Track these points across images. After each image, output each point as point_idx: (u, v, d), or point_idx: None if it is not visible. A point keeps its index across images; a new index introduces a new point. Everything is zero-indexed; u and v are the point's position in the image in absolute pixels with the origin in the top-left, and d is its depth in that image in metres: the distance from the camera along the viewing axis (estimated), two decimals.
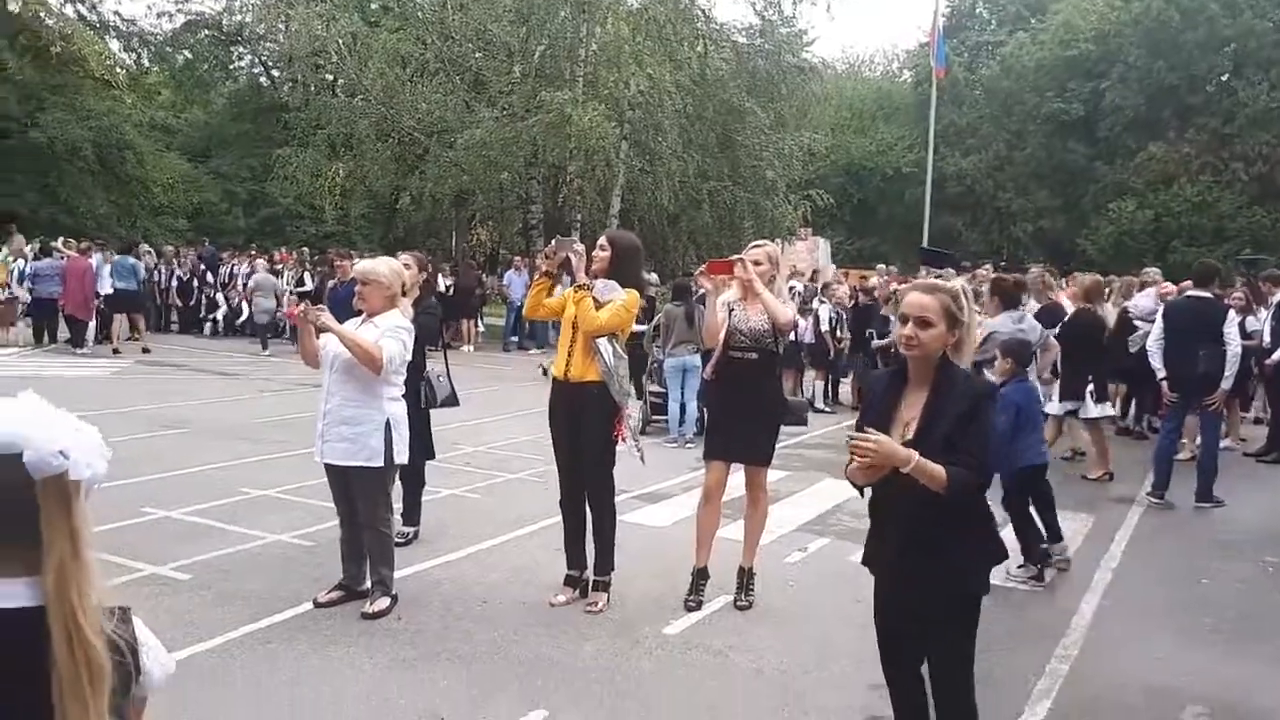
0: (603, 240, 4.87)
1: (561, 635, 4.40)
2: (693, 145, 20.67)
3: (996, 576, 5.48)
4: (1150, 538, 6.57)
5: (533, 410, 10.30)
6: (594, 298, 4.60)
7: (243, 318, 18.00)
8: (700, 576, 4.90)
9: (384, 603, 4.53)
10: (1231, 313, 7.53)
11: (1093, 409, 8.33)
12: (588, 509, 4.85)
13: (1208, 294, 7.55)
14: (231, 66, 31.73)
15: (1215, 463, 7.46)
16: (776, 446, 5.04)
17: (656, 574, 5.18)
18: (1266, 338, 9.40)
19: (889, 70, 41.56)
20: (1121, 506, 7.35)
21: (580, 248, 4.73)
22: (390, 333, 4.43)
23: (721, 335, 4.77)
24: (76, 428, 1.30)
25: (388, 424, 4.48)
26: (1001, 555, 2.92)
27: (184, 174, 27.15)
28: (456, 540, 5.74)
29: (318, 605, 4.57)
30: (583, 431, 4.70)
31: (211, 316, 18.71)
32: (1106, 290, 11.94)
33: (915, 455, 2.56)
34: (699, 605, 4.80)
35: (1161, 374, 7.46)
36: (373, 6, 24.72)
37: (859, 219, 30.41)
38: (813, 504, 7.11)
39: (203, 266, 19.05)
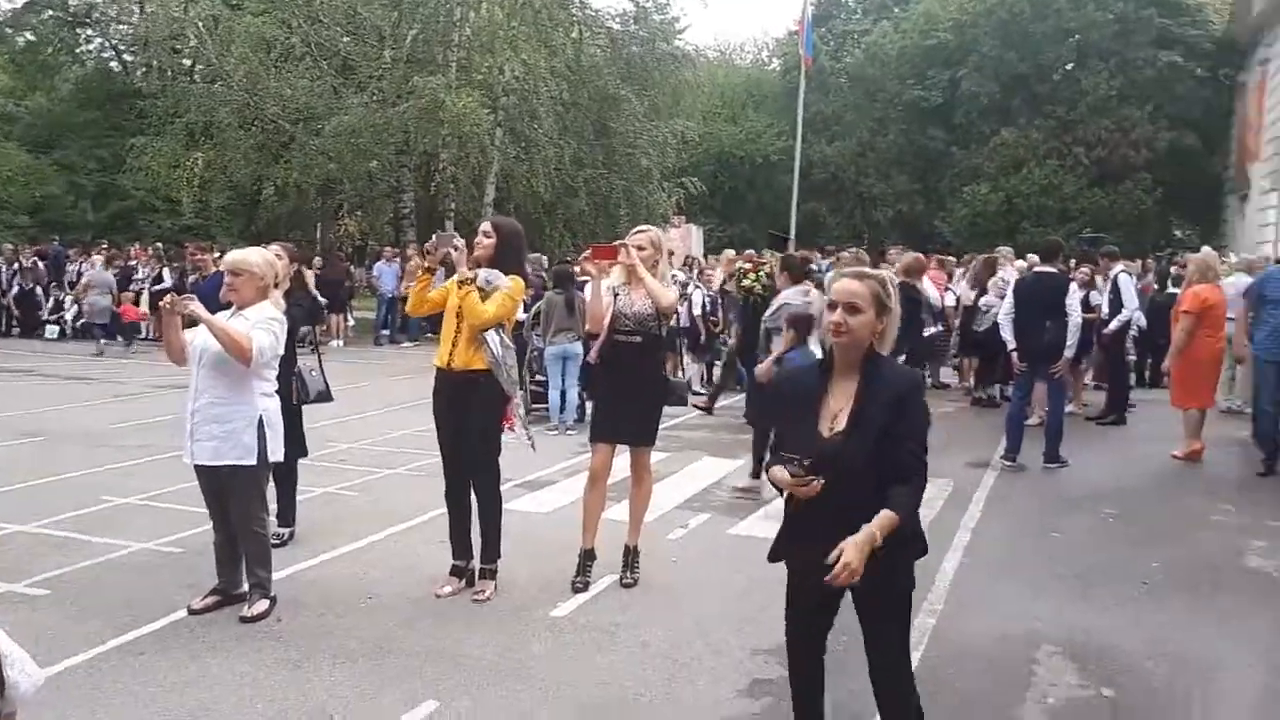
0: (486, 227, 4.86)
1: (449, 625, 4.41)
2: (568, 132, 20.70)
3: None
4: (1005, 498, 7.01)
5: (408, 404, 10.24)
6: (479, 288, 4.59)
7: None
8: (587, 558, 4.98)
9: (262, 605, 4.43)
10: (1073, 286, 8.06)
11: None
12: (473, 499, 4.86)
13: (1053, 269, 8.08)
14: (79, 50, 29.79)
15: (1061, 426, 8.00)
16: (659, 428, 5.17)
17: (542, 559, 5.23)
18: (1105, 310, 10.10)
19: (759, 58, 42.41)
20: (978, 470, 7.81)
21: (460, 242, 4.70)
22: (261, 324, 4.30)
23: (607, 320, 4.85)
24: None
25: (260, 420, 4.37)
26: (923, 549, 2.90)
27: (24, 166, 25.36)
28: (335, 539, 5.65)
29: (192, 612, 4.43)
30: (468, 421, 4.70)
31: (57, 318, 17.64)
32: (962, 269, 12.61)
33: (876, 532, 2.55)
34: (586, 586, 4.88)
35: (1012, 345, 7.96)
36: None
37: (729, 206, 30.99)
38: (691, 482, 7.30)
39: (42, 265, 17.94)
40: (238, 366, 4.25)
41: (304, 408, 5.59)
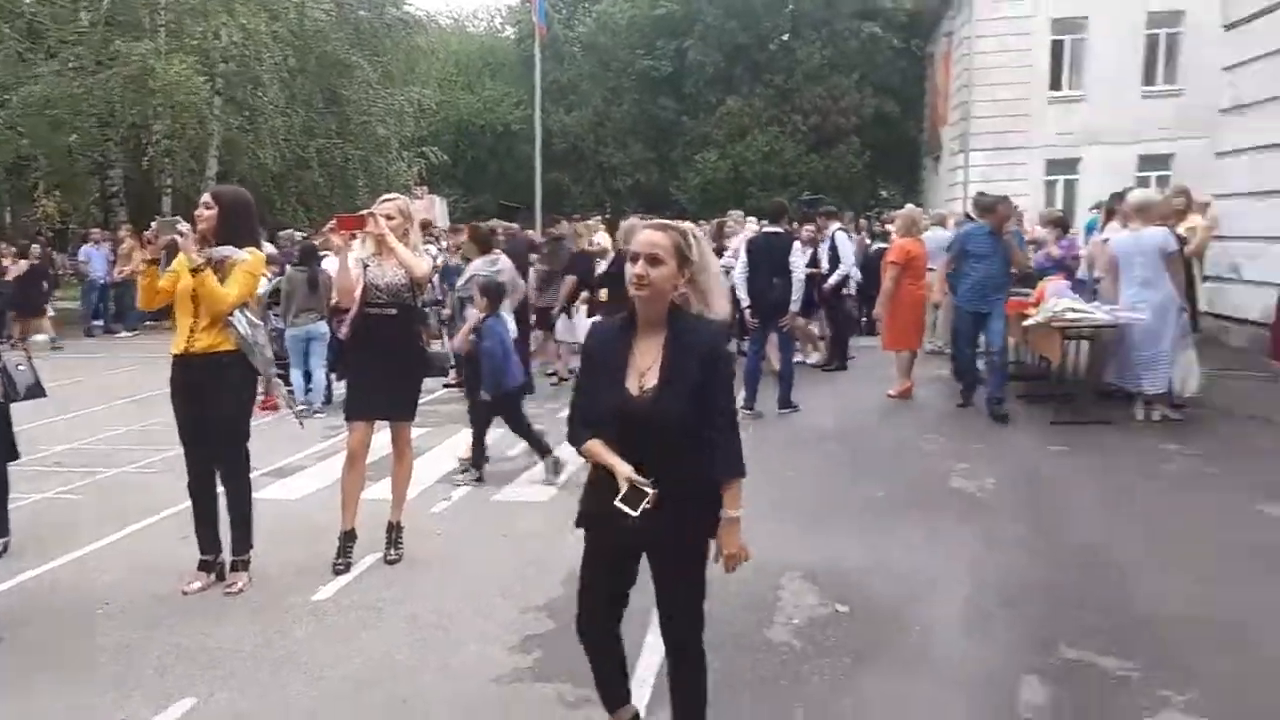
0: (206, 198, 4.54)
1: (201, 621, 4.19)
2: (296, 101, 19.59)
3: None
4: (746, 443, 7.42)
5: (131, 398, 9.46)
6: (214, 269, 4.31)
7: None
8: (348, 539, 4.87)
9: None
10: (796, 244, 8.71)
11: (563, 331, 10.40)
12: (219, 489, 4.61)
13: (779, 229, 8.68)
14: None
15: (791, 375, 8.66)
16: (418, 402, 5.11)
17: (298, 546, 5.06)
18: (824, 265, 10.97)
19: (492, 26, 41.93)
20: None
21: (185, 227, 4.34)
22: None
23: (358, 293, 4.71)
24: None
25: None
26: (718, 506, 2.77)
27: None
28: (59, 546, 5.19)
29: None
30: (215, 406, 4.42)
31: None
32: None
33: (734, 514, 2.70)
34: (348, 567, 4.78)
35: (746, 303, 8.50)
36: None
37: (472, 176, 30.60)
38: (452, 455, 7.25)
39: None
40: None
41: (10, 406, 5.06)
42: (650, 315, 2.67)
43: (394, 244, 4.67)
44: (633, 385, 2.64)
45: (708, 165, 27.60)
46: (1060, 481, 6.20)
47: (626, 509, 2.55)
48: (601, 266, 9.77)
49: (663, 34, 29.32)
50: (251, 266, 4.46)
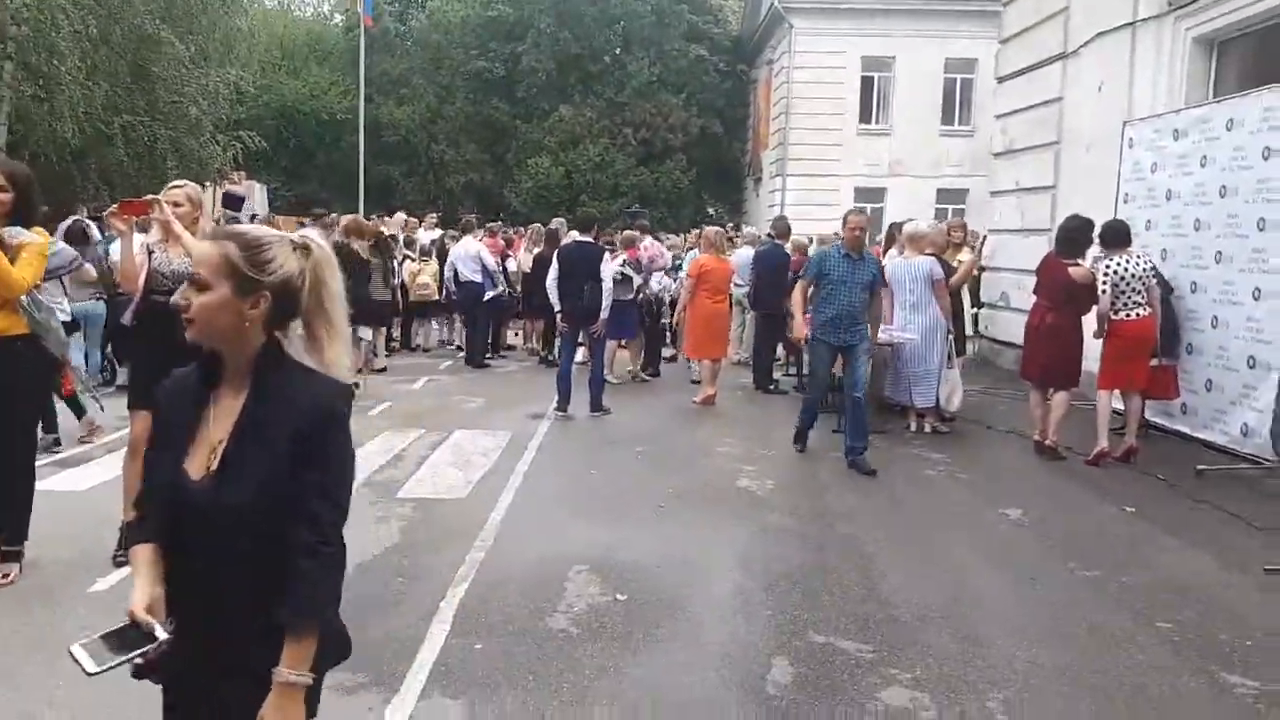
0: (0, 180, 4.38)
1: None
2: (99, 73, 18.36)
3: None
4: (555, 444, 7.78)
5: None
6: (2, 250, 4.16)
7: None
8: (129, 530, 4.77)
9: None
10: (607, 254, 9.07)
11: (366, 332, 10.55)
12: None
13: (589, 239, 9.03)
14: None
15: (602, 377, 9.00)
16: None
17: (75, 538, 4.92)
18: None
19: (320, 12, 40.54)
20: (535, 421, 8.56)
21: None
22: None
23: (142, 279, 4.63)
24: None
25: None
26: (345, 650, 1.92)
27: None
28: None
29: None
30: (8, 392, 4.26)
31: None
32: (522, 237, 13.39)
33: (293, 679, 1.73)
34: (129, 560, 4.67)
35: (558, 307, 8.80)
36: None
37: (296, 164, 29.53)
38: None
39: None
40: None
41: None
42: (233, 362, 1.88)
43: (181, 232, 4.57)
44: (197, 464, 1.83)
45: (541, 170, 27.78)
46: (833, 484, 6.77)
47: (108, 655, 1.78)
48: None
49: (496, 36, 29.29)
50: (42, 248, 4.36)
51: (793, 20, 23.98)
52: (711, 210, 29.06)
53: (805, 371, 10.57)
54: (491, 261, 12.08)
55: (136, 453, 4.76)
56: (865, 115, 24.45)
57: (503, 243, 13.16)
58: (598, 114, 28.30)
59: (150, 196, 4.69)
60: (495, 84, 29.20)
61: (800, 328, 7.59)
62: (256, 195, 21.69)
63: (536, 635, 4.08)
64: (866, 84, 24.34)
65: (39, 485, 4.72)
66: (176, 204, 4.70)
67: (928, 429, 8.39)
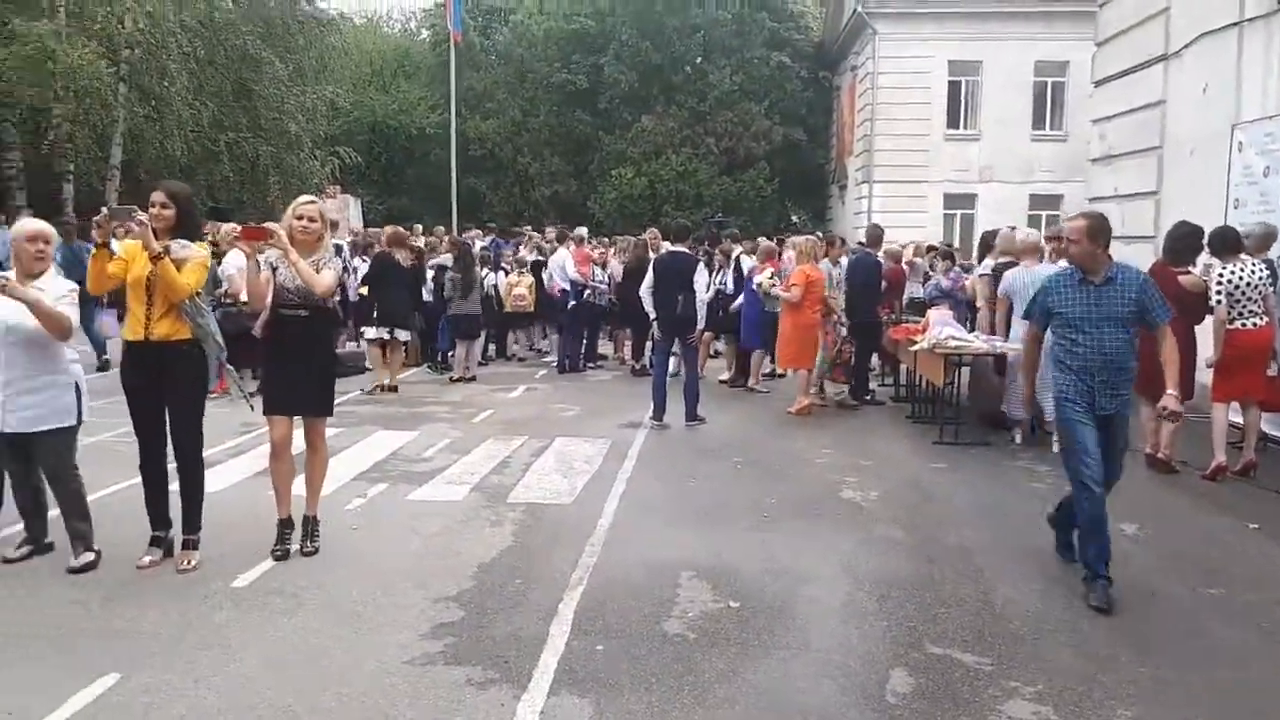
0: (162, 198, 4.71)
1: (122, 604, 4.33)
2: (205, 93, 19.24)
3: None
4: (654, 452, 7.88)
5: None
6: (173, 260, 4.50)
7: None
8: (285, 525, 5.09)
9: (88, 556, 4.75)
10: (701, 264, 9.16)
11: (370, 332, 10.89)
12: (173, 469, 4.84)
13: (684, 249, 9.12)
14: None
15: (697, 388, 9.07)
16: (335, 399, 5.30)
17: (215, 536, 5.17)
18: (730, 287, 11.45)
19: (407, 28, 41.59)
20: (631, 430, 8.67)
21: (144, 216, 4.54)
22: (66, 298, 4.63)
23: (269, 297, 4.88)
24: None
25: (76, 384, 4.76)
26: None
27: None
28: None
29: (7, 561, 4.72)
30: (173, 392, 4.62)
31: None
32: (612, 248, 13.56)
33: None
34: (286, 554, 4.99)
35: (653, 316, 8.94)
36: None
37: (388, 178, 30.36)
38: (369, 454, 7.43)
39: None
40: (50, 339, 4.56)
41: None
42: None
43: (295, 260, 4.77)
44: None
45: (624, 181, 28.01)
46: (938, 494, 6.72)
47: None
48: None
49: (579, 49, 29.64)
50: (204, 259, 4.70)
51: (876, 25, 23.76)
52: (795, 218, 28.91)
53: (904, 383, 10.55)
54: (575, 271, 12.32)
55: (279, 455, 5.04)
56: (953, 120, 24.08)
57: (591, 253, 13.32)
58: (680, 124, 28.41)
59: (269, 225, 4.88)
60: (578, 96, 29.55)
61: (1028, 398, 5.69)
62: (351, 209, 22.32)
63: (654, 639, 4.17)
64: (954, 88, 23.97)
65: (173, 486, 5.02)
66: (311, 219, 4.94)
67: (1025, 440, 8.24)
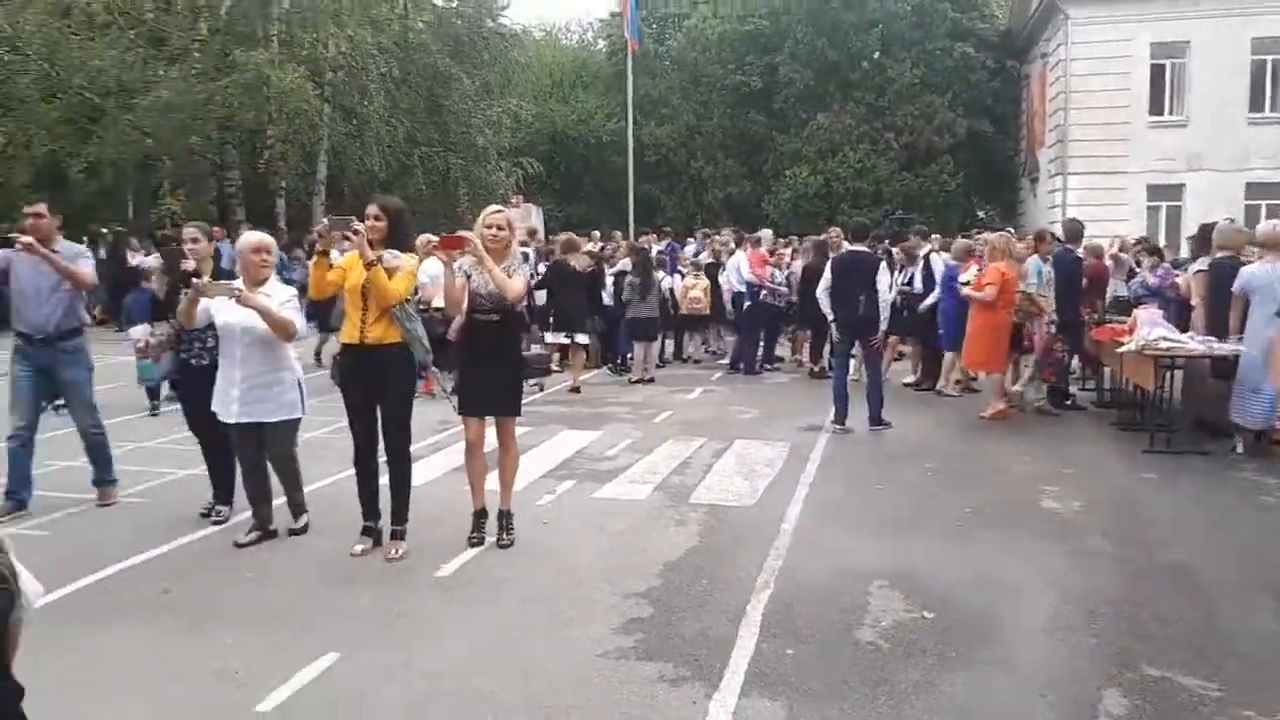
0: (375, 210, 5.03)
1: (341, 587, 4.64)
2: (400, 110, 20.41)
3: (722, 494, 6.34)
4: (837, 457, 7.73)
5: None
6: (385, 268, 4.82)
7: None
8: (480, 516, 5.35)
9: (305, 519, 5.44)
10: (883, 264, 8.88)
11: (549, 336, 11.08)
12: (382, 463, 5.19)
13: (864, 248, 8.88)
14: None
15: (881, 392, 8.81)
16: (522, 399, 5.50)
17: (419, 528, 5.44)
18: (918, 285, 11.07)
19: (585, 39, 42.64)
20: (812, 434, 8.52)
21: (360, 226, 4.86)
22: (290, 304, 5.14)
23: (465, 303, 5.13)
24: None
25: (299, 381, 5.31)
26: None
27: None
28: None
29: (239, 546, 5.19)
30: (384, 392, 4.95)
31: None
32: (790, 248, 13.38)
33: None
34: (481, 541, 5.26)
35: (831, 317, 8.74)
36: None
37: (567, 186, 31.22)
38: (556, 452, 7.66)
39: None
40: (277, 339, 5.07)
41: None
42: None
43: (491, 267, 4.98)
44: None
45: (799, 180, 27.67)
46: (1152, 506, 6.26)
47: None
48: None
49: (753, 50, 29.51)
50: (413, 268, 5.00)
51: (1068, 9, 22.44)
52: (982, 213, 27.68)
53: (1108, 387, 9.91)
54: (750, 273, 12.26)
55: (473, 452, 5.29)
56: (1156, 106, 22.41)
57: (765, 254, 13.20)
58: (857, 120, 27.79)
59: (463, 234, 5.10)
60: (752, 97, 29.43)
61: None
62: (534, 217, 23.09)
63: (846, 646, 4.08)
64: (1156, 72, 22.31)
65: (382, 479, 5.33)
66: (500, 227, 5.15)
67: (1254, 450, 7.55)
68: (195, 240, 5.58)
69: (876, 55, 28.34)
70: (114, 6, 19.03)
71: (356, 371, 5.05)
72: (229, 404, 5.16)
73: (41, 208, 5.65)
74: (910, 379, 11.35)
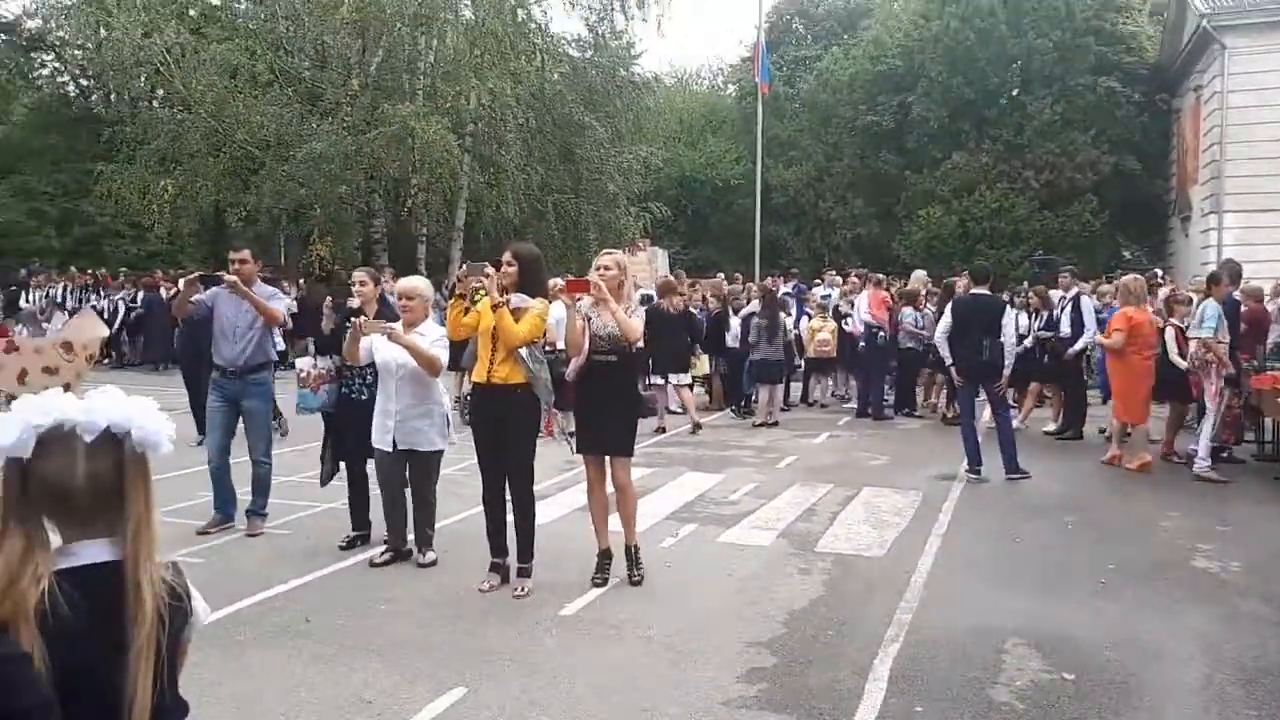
0: (507, 256, 5.26)
1: (468, 623, 4.75)
2: (534, 158, 21.06)
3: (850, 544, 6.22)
4: (971, 507, 7.46)
5: None
6: (512, 311, 5.02)
7: None
8: (604, 557, 5.42)
9: (432, 556, 5.62)
10: (1009, 307, 8.62)
11: (656, 379, 10.93)
12: (508, 502, 5.32)
13: (986, 290, 8.65)
14: (33, 75, 29.62)
15: (1012, 437, 8.47)
16: (636, 441, 5.56)
17: (544, 566, 5.54)
18: (1066, 329, 10.60)
19: (715, 84, 43.15)
20: (945, 483, 8.26)
21: (491, 271, 5.09)
22: (439, 342, 5.47)
23: (586, 345, 5.26)
24: (156, 408, 1.60)
25: (445, 416, 5.62)
26: None
27: None
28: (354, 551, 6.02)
29: (373, 565, 5.58)
30: (508, 432, 5.11)
31: None
32: (923, 290, 13.06)
33: None
34: (605, 582, 5.30)
35: (949, 361, 8.51)
36: (191, 14, 23.74)
37: (693, 229, 31.49)
38: (679, 495, 7.67)
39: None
40: (427, 375, 5.41)
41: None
42: None
43: (614, 308, 5.14)
44: None
45: (932, 220, 27.09)
46: None
47: None
48: None
49: (885, 90, 29.21)
50: (542, 313, 5.16)
51: (1225, 40, 21.32)
52: (1128, 254, 26.46)
53: (1269, 439, 9.26)
54: (872, 315, 12.03)
55: (594, 491, 5.41)
56: None
57: (887, 295, 12.93)
58: (994, 158, 27.06)
59: (590, 278, 5.30)
60: (884, 136, 29.09)
61: None
62: (659, 260, 23.34)
63: (978, 706, 3.92)
64: None
65: (509, 517, 5.45)
66: (606, 268, 5.30)
67: None
68: (363, 283, 5.97)
69: (1015, 92, 27.61)
70: (276, 66, 20.44)
71: (484, 410, 5.25)
72: (385, 434, 5.51)
73: (245, 254, 6.25)
74: (1051, 427, 10.88)
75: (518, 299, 5.12)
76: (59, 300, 16.91)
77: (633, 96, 23.71)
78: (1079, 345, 10.38)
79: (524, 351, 5.09)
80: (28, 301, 16.98)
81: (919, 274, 13.56)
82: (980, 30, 27.17)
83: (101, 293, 18.13)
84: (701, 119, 36.00)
